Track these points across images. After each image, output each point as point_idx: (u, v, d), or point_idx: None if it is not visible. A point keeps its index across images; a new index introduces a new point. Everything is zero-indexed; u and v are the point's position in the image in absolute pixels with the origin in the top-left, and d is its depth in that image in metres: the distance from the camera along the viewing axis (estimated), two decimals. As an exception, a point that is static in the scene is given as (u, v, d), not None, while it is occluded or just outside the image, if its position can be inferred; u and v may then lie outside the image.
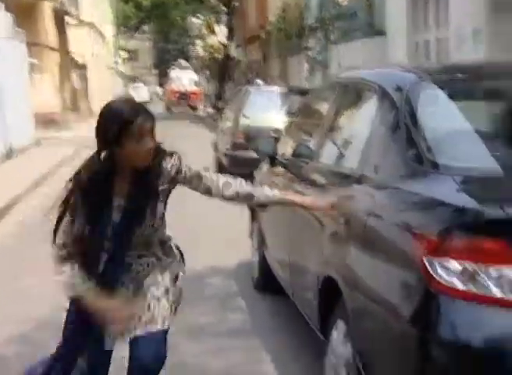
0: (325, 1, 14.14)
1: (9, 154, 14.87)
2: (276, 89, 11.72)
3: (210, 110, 31.42)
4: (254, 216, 5.55)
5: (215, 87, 36.56)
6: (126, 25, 42.23)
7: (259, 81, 23.46)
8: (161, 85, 60.98)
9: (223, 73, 33.37)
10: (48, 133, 22.73)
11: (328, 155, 3.89)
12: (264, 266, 5.10)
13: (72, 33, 31.26)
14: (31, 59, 20.12)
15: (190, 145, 17.22)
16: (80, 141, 19.44)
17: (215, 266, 6.10)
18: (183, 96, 39.98)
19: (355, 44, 11.78)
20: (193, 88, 40.36)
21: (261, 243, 5.20)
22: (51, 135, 22.09)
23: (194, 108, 39.64)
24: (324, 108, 4.34)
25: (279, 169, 4.73)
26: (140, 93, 59.84)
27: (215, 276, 5.87)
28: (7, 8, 15.64)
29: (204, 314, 4.92)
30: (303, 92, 10.17)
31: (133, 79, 69.14)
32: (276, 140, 5.09)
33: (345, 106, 3.98)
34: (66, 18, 29.42)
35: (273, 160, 4.81)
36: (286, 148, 4.78)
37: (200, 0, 32.90)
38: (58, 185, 2.93)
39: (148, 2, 31.42)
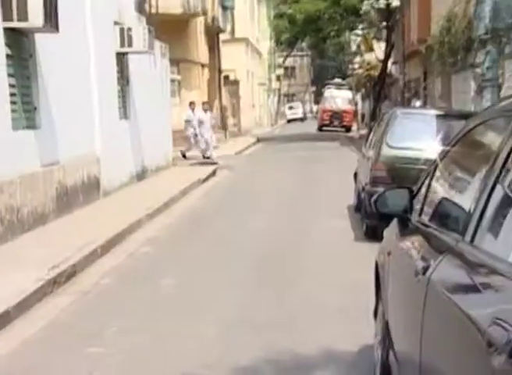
0: (500, 8, 12.11)
1: (140, 175, 14.24)
2: (431, 112, 9.71)
3: (364, 131, 29.75)
4: (378, 295, 4.02)
5: (370, 106, 34.89)
6: (280, 40, 41.78)
7: (418, 102, 21.63)
8: (316, 103, 60.28)
9: (379, 91, 31.62)
10: (192, 151, 22.25)
11: (495, 233, 2.34)
12: (387, 374, 3.54)
13: (226, 49, 31.06)
14: (174, 76, 19.67)
15: (334, 171, 16.37)
16: (220, 161, 18.74)
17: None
18: (336, 115, 38.78)
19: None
20: (346, 107, 39.00)
21: (386, 339, 3.64)
22: (193, 154, 21.53)
23: (347, 128, 38.23)
24: (492, 145, 2.70)
25: (412, 240, 3.26)
26: (294, 111, 59.73)
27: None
28: (149, 23, 15.11)
29: None
30: (465, 116, 8.29)
31: (289, 96, 69.08)
32: (411, 192, 3.53)
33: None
34: (220, 34, 29.23)
35: (405, 222, 3.28)
36: (428, 203, 3.25)
37: (357, 14, 31.46)
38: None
39: (302, 16, 30.45)
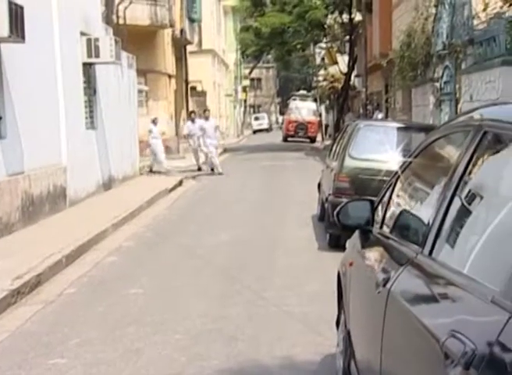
0: (457, 25, 12.44)
1: (107, 184, 14.23)
2: (393, 124, 9.94)
3: (328, 142, 30.10)
4: (340, 305, 4.11)
5: (334, 117, 35.30)
6: (246, 53, 42.20)
7: (380, 114, 22.03)
8: (282, 114, 60.70)
9: (343, 103, 32.06)
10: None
11: (452, 245, 2.40)
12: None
13: (193, 60, 31.16)
14: (141, 86, 19.69)
15: (298, 181, 16.62)
16: (188, 171, 18.80)
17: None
18: (301, 126, 39.10)
19: (492, 73, 10.03)
20: (311, 118, 39.35)
21: (347, 348, 3.73)
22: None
23: (312, 139, 38.60)
24: (450, 158, 2.76)
25: (373, 252, 3.31)
26: (260, 122, 60.09)
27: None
28: (117, 34, 15.14)
29: None
30: (425, 129, 8.48)
31: (255, 107, 69.44)
32: (372, 204, 3.63)
33: (489, 162, 2.47)
34: (187, 46, 29.30)
35: (367, 234, 3.39)
36: (388, 215, 3.32)
37: (322, 28, 31.92)
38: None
39: (268, 29, 30.79)
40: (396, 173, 3.52)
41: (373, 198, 3.71)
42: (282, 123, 43.66)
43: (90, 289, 6.76)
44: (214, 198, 14.15)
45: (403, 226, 3.11)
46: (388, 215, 3.38)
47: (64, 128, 11.47)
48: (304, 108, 39.98)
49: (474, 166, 2.41)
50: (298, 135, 39.45)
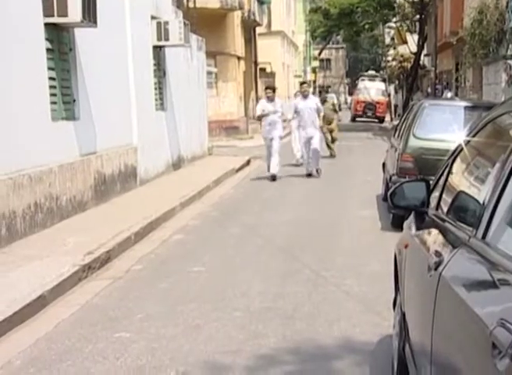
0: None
1: (176, 164, 14.55)
2: (460, 103, 9.72)
3: (396, 122, 29.69)
4: (397, 287, 4.13)
5: (403, 97, 34.71)
6: (315, 35, 41.91)
7: (449, 93, 21.55)
8: (351, 94, 60.10)
9: (412, 82, 31.48)
10: (228, 141, 22.57)
11: (506, 228, 2.32)
12: (402, 365, 3.63)
13: (262, 42, 31.23)
14: (210, 68, 19.91)
15: (364, 160, 16.55)
16: (255, 151, 18.97)
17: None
18: (370, 106, 38.65)
19: None
20: (379, 98, 38.82)
21: (402, 330, 3.75)
22: (230, 144, 21.83)
23: (381, 119, 38.13)
24: (510, 136, 2.65)
25: (428, 234, 3.24)
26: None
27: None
28: (187, 18, 15.36)
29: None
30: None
31: (324, 88, 68.98)
32: (428, 184, 3.61)
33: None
34: (257, 28, 29.37)
35: (422, 215, 3.38)
36: (444, 196, 3.27)
37: (391, 7, 31.35)
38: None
39: (337, 10, 30.50)
40: (454, 151, 3.46)
41: (432, 179, 3.67)
42: (351, 104, 43.26)
43: (155, 266, 7.01)
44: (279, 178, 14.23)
45: (458, 208, 3.03)
46: (444, 196, 3.33)
47: (135, 109, 11.80)
48: (372, 88, 39.46)
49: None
50: (366, 115, 39.04)
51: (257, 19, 28.37)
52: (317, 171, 14.19)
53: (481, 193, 2.64)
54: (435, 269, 2.72)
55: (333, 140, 18.42)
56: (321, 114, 15.23)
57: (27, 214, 7.70)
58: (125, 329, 5.03)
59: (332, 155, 18.03)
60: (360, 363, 4.32)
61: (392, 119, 35.83)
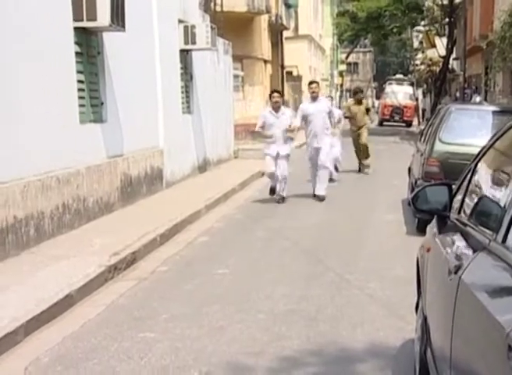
0: None
1: (202, 167, 14.64)
2: (487, 108, 9.64)
3: (423, 127, 29.55)
4: (419, 291, 4.13)
5: (431, 101, 34.52)
6: (342, 38, 41.89)
7: (478, 97, 21.41)
8: (378, 98, 59.89)
9: (440, 86, 31.29)
10: (254, 145, 22.62)
11: None
12: (424, 369, 3.62)
13: (289, 46, 31.29)
14: (237, 71, 20.00)
15: (390, 165, 16.45)
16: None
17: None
18: (397, 110, 38.46)
19: None
20: (407, 102, 38.63)
21: (424, 334, 3.75)
22: (256, 147, 21.84)
23: (408, 124, 37.95)
24: None
25: (449, 238, 3.25)
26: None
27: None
28: (214, 21, 15.47)
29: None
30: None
31: (350, 92, 68.83)
32: (451, 188, 3.61)
33: None
34: (284, 31, 29.44)
35: (444, 219, 3.38)
36: (467, 200, 3.29)
37: (419, 11, 31.21)
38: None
39: (364, 14, 30.47)
40: (476, 156, 3.48)
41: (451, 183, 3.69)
42: (378, 107, 43.13)
43: (180, 267, 7.07)
44: (305, 181, 14.23)
45: (480, 212, 3.06)
46: (466, 200, 3.35)
47: (161, 112, 11.91)
48: (400, 92, 39.26)
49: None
50: (394, 119, 38.85)
51: (285, 22, 28.44)
52: (320, 198, 11.29)
53: (503, 197, 2.66)
54: (455, 272, 2.74)
55: (365, 150, 15.33)
56: (336, 120, 12.80)
57: (55, 215, 7.82)
58: (150, 329, 5.09)
59: (361, 170, 15.38)
60: (383, 367, 4.32)
61: (419, 124, 35.62)
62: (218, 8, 17.66)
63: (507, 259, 2.30)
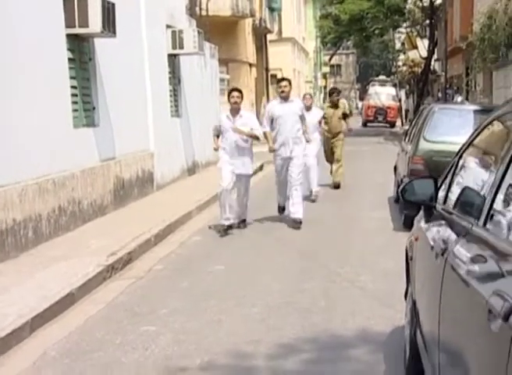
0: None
1: (191, 169, 14.86)
2: (468, 107, 9.98)
3: (407, 127, 29.94)
4: (408, 279, 4.39)
5: (413, 102, 34.98)
6: (325, 41, 42.29)
7: (459, 97, 21.81)
8: (361, 100, 60.38)
9: (423, 87, 31.76)
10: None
11: (504, 216, 2.59)
12: (414, 350, 3.88)
13: (273, 49, 31.54)
14: (223, 75, 20.23)
15: (375, 164, 16.76)
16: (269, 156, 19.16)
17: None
18: (380, 111, 38.93)
19: None
20: (390, 103, 39.10)
21: (413, 317, 4.00)
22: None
23: (392, 124, 38.38)
24: (506, 134, 2.96)
25: (436, 226, 3.51)
26: (340, 108, 59.95)
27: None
28: (199, 26, 15.70)
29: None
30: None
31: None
32: (436, 182, 3.88)
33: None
34: (268, 35, 29.71)
35: (431, 210, 3.63)
36: (451, 191, 3.54)
37: (401, 13, 31.67)
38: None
39: (347, 16, 30.86)
40: (458, 152, 3.75)
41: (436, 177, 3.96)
42: (362, 109, 43.56)
43: (176, 266, 7.29)
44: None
45: (463, 201, 3.29)
46: (450, 191, 3.62)
47: (151, 116, 12.12)
48: (383, 94, 39.75)
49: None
50: (377, 120, 39.31)
51: (268, 26, 28.70)
52: (296, 222, 9.04)
53: (483, 187, 2.93)
54: (442, 254, 3.02)
55: (338, 165, 13.05)
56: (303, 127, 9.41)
57: (52, 217, 8.01)
58: (151, 323, 5.30)
59: (334, 186, 12.96)
60: (374, 351, 4.57)
61: (403, 124, 36.06)
62: (203, 13, 17.88)
63: (488, 240, 2.58)
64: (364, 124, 39.98)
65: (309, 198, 11.34)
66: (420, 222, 4.08)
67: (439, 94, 27.42)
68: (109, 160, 10.05)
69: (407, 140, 10.64)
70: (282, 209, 9.85)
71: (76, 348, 4.84)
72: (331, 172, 13.19)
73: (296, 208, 9.09)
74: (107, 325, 5.33)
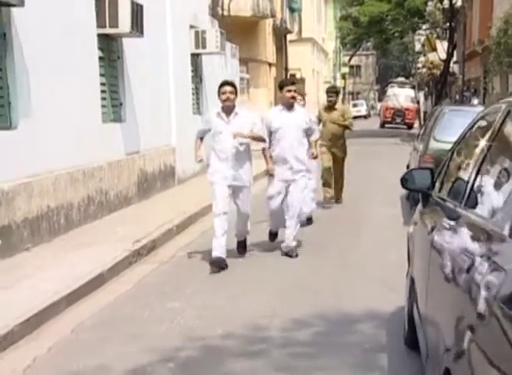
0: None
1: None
2: (477, 109, 10.39)
3: (424, 128, 30.23)
4: (409, 261, 4.86)
5: (432, 104, 35.27)
6: (344, 42, 42.66)
7: (476, 100, 22.13)
8: (380, 101, 60.60)
9: (441, 89, 32.03)
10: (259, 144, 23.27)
11: (480, 196, 3.09)
12: (412, 324, 4.35)
13: (293, 49, 31.96)
14: (243, 74, 20.71)
15: (390, 164, 17.11)
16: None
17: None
18: (398, 113, 39.19)
19: None
20: (408, 105, 39.36)
21: (411, 295, 4.47)
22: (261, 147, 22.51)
23: (409, 126, 38.65)
24: (487, 130, 3.45)
25: (431, 210, 3.96)
26: (358, 108, 60.25)
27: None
28: (221, 26, 16.19)
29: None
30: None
31: (354, 94, 69.45)
32: (432, 172, 4.34)
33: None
34: (288, 35, 30.14)
35: (428, 197, 4.09)
36: (445, 181, 4.01)
37: (421, 15, 31.94)
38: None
39: (366, 18, 31.20)
40: (452, 146, 4.28)
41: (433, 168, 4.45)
42: (380, 110, 43.82)
43: (197, 253, 7.78)
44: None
45: (453, 188, 3.79)
46: (444, 180, 4.12)
47: (174, 113, 12.65)
48: (401, 95, 40.02)
49: (498, 136, 3.12)
50: (395, 122, 39.56)
51: (289, 26, 29.15)
52: (291, 253, 7.47)
53: (467, 175, 3.43)
54: (431, 232, 3.52)
55: (340, 177, 11.11)
56: (314, 138, 8.06)
57: (81, 206, 8.55)
58: (176, 300, 5.82)
59: (336, 200, 11.05)
60: (379, 326, 5.07)
61: (421, 126, 36.31)
62: (225, 13, 18.37)
63: (466, 216, 3.06)
64: (382, 125, 40.28)
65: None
66: (419, 208, 4.57)
67: (457, 97, 27.71)
68: (134, 154, 10.58)
69: (419, 140, 11.07)
70: (274, 236, 8.01)
71: (108, 320, 5.37)
72: (324, 197, 10.80)
73: (290, 233, 7.56)
74: (135, 302, 5.85)
